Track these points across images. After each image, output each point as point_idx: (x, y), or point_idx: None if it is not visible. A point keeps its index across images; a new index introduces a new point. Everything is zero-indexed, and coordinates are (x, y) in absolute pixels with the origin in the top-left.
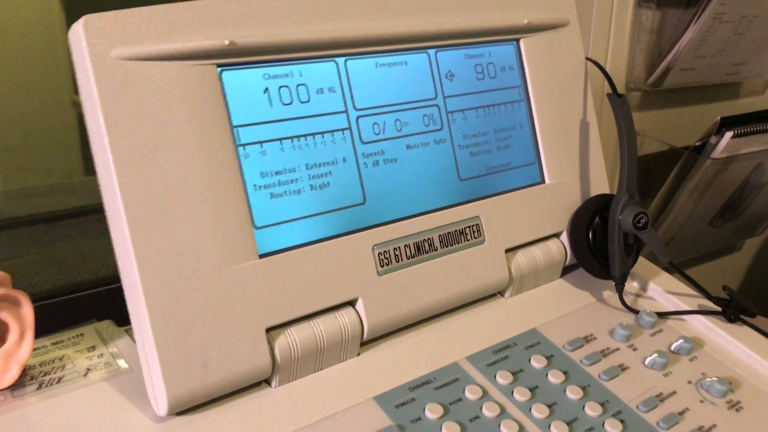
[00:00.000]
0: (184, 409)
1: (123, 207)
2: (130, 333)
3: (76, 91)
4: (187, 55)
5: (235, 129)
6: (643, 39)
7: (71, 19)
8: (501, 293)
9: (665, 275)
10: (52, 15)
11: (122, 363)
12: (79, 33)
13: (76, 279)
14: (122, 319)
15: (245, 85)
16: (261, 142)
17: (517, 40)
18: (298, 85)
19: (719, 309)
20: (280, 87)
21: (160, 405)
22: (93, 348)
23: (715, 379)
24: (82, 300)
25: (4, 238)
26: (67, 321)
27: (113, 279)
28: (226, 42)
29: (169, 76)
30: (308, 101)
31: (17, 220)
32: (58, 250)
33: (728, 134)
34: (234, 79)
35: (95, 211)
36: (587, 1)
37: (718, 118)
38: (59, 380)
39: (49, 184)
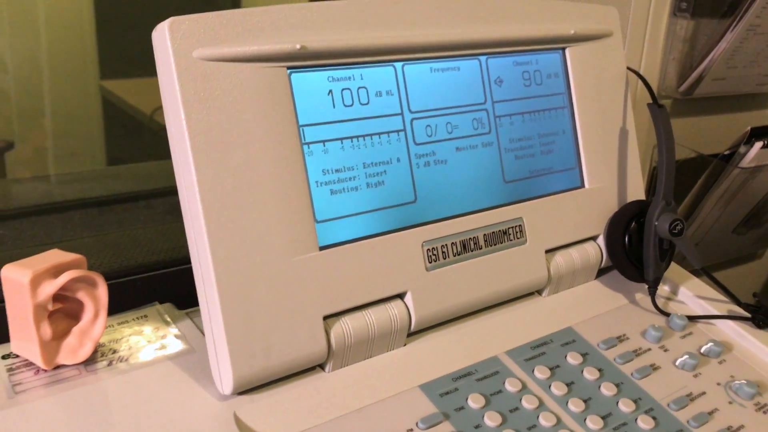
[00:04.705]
0: (246, 389)
1: (200, 198)
2: (190, 315)
3: (102, 77)
4: (262, 57)
5: (301, 128)
6: (676, 48)
7: (99, 8)
8: (539, 292)
9: (695, 280)
10: (81, 3)
11: (184, 344)
12: (164, 34)
13: (130, 263)
14: (177, 302)
15: (311, 86)
16: (324, 141)
17: (563, 49)
18: (358, 88)
19: (748, 315)
20: (343, 89)
21: (225, 384)
22: (157, 329)
23: (744, 381)
24: (136, 283)
25: (56, 221)
26: (122, 303)
27: (165, 264)
28: (298, 46)
29: (244, 77)
30: (368, 103)
31: (68, 204)
32: (110, 234)
33: (758, 144)
34: (302, 81)
35: (142, 198)
36: (624, 9)
37: (749, 128)
38: (127, 358)
39: (97, 170)
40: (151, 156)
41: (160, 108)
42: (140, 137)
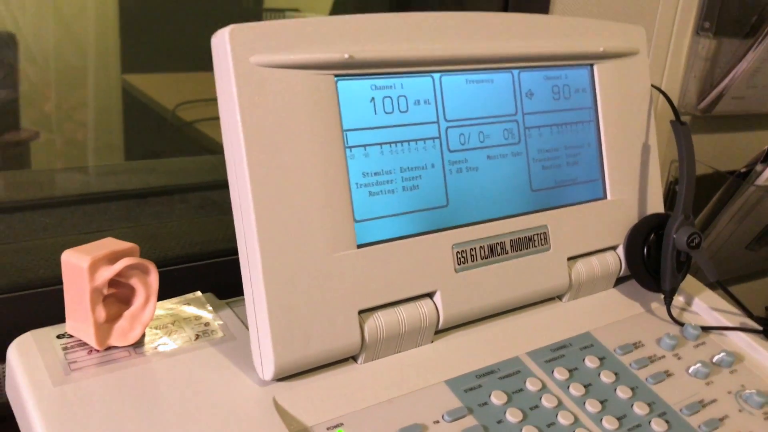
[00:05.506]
0: (285, 376)
1: (251, 194)
2: (230, 305)
3: (124, 71)
4: (312, 65)
5: (345, 133)
6: (697, 66)
7: (124, 2)
8: (559, 297)
9: (709, 292)
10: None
11: (226, 332)
12: (224, 40)
13: (168, 254)
14: (214, 292)
15: (356, 94)
16: (365, 146)
17: (592, 65)
18: (399, 96)
19: (760, 328)
20: (384, 97)
21: (266, 370)
22: (199, 317)
23: (754, 391)
24: (173, 274)
25: (94, 212)
26: (158, 293)
27: (201, 256)
28: (346, 56)
29: (296, 83)
30: (406, 111)
31: (107, 195)
32: (148, 226)
33: None
34: (347, 88)
35: (178, 191)
36: (648, 27)
37: (766, 147)
38: (173, 343)
39: (133, 163)
40: (173, 153)
41: (183, 104)
42: (162, 133)
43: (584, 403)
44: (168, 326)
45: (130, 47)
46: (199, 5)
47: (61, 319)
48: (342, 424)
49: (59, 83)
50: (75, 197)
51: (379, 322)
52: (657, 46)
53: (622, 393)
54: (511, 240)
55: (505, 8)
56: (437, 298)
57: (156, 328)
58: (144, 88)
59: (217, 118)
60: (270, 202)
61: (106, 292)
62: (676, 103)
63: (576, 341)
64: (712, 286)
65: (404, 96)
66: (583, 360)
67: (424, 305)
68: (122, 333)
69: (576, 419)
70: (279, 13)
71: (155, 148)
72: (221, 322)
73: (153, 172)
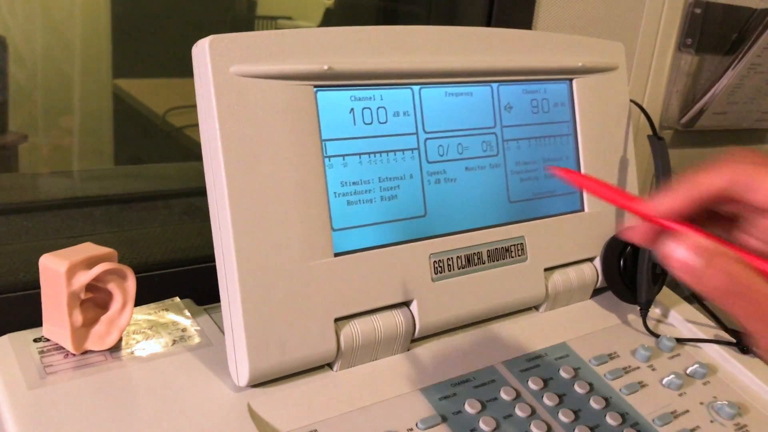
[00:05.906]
0: (260, 382)
1: (228, 202)
2: (208, 311)
3: (115, 76)
4: (291, 75)
5: (323, 142)
6: (679, 81)
7: (116, 7)
8: (536, 308)
9: (685, 305)
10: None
11: (202, 337)
12: (204, 50)
13: (148, 260)
14: (193, 298)
15: (335, 104)
16: (344, 155)
17: (571, 80)
18: (378, 108)
19: (733, 340)
20: (364, 108)
21: (241, 376)
22: (177, 322)
23: (726, 402)
24: (154, 279)
25: (77, 217)
26: (139, 297)
27: (182, 262)
28: (325, 67)
29: (275, 93)
30: (386, 122)
31: (91, 200)
32: (131, 232)
33: None
34: (327, 98)
35: (161, 197)
36: (631, 43)
37: None
38: (150, 347)
39: (117, 168)
40: (162, 158)
41: (172, 109)
42: (152, 138)
43: (558, 413)
44: (145, 331)
45: (122, 52)
46: (192, 11)
47: (39, 323)
48: (316, 431)
49: (50, 87)
50: (59, 201)
51: (355, 330)
52: (640, 61)
53: (596, 403)
54: (488, 250)
55: (488, 23)
56: (414, 306)
57: (133, 332)
58: (135, 93)
59: None
60: (247, 209)
61: (83, 296)
62: (658, 117)
63: (551, 351)
64: (688, 299)
65: (384, 107)
66: (558, 370)
67: (401, 314)
68: (99, 337)
69: (549, 428)
70: (271, 20)
71: (145, 153)
72: (198, 328)
73: (138, 178)
